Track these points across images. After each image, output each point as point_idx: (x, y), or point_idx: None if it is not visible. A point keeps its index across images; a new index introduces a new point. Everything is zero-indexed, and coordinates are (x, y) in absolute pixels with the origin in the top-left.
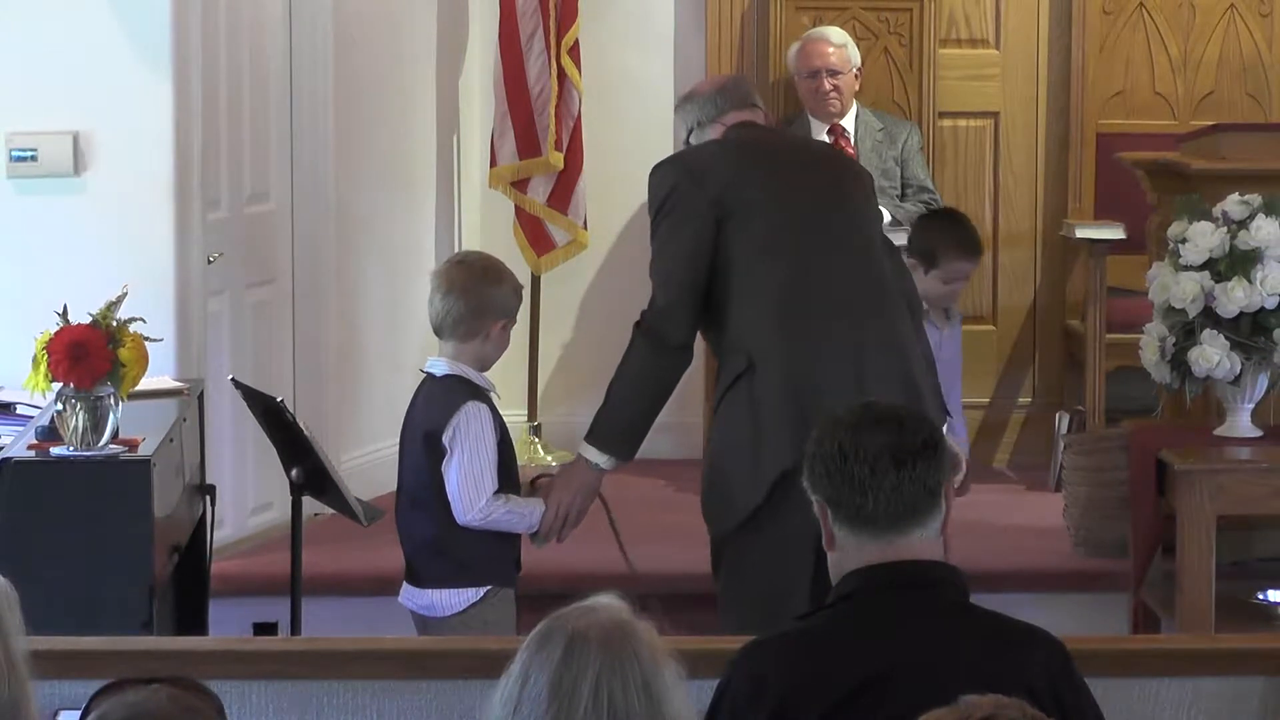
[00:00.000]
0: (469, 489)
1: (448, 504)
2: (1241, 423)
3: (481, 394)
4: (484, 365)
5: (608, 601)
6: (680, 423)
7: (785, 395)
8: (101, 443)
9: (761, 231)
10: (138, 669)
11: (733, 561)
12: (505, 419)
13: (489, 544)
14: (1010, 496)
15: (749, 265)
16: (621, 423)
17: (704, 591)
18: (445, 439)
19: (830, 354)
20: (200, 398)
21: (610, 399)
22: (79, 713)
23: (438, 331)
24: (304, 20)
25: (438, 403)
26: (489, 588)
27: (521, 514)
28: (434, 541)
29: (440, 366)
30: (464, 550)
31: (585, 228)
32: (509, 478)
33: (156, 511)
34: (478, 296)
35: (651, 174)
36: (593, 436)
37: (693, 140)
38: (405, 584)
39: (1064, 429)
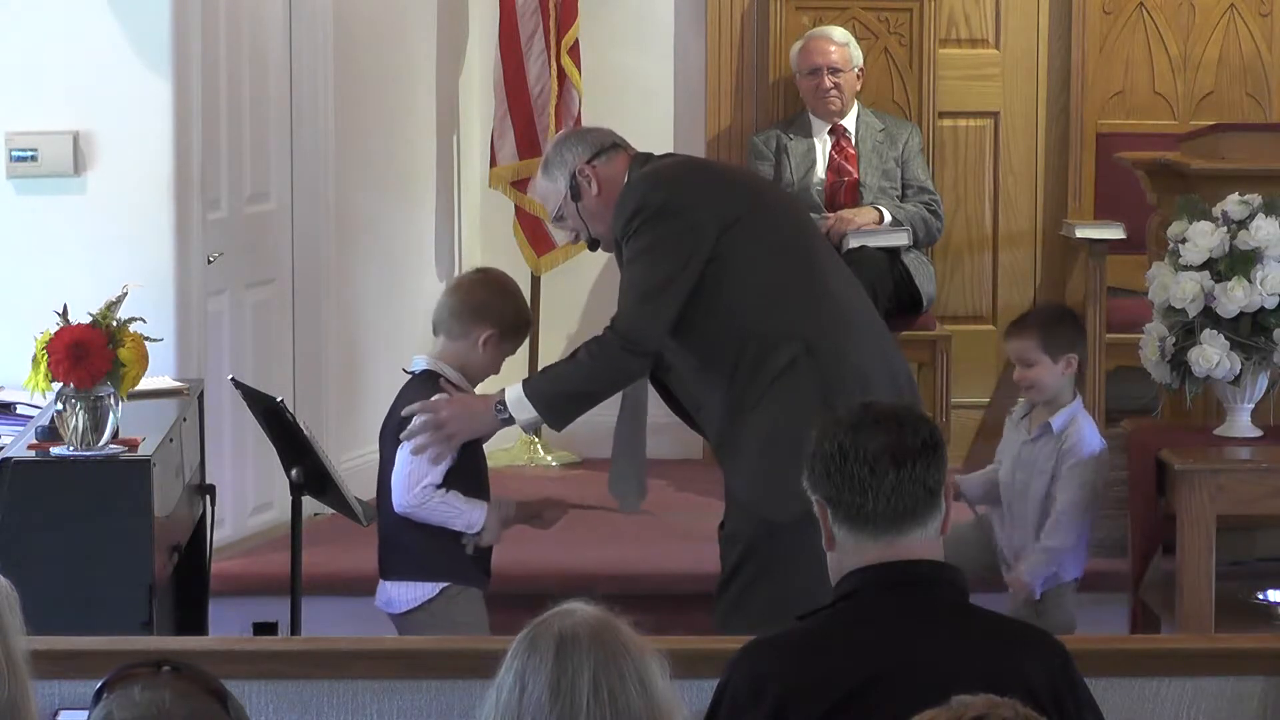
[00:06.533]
0: (406, 476)
1: None
2: (1241, 423)
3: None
4: (467, 373)
5: (579, 604)
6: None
7: (855, 378)
8: (101, 443)
9: (773, 233)
10: None
11: (777, 553)
12: None
13: (440, 539)
14: None
15: (774, 262)
16: (567, 394)
17: (704, 591)
18: None
19: (869, 342)
20: (200, 398)
21: (564, 372)
22: (80, 712)
23: (434, 327)
24: (304, 20)
25: (412, 396)
26: (445, 585)
27: (459, 510)
28: (389, 533)
29: (420, 363)
30: (413, 542)
31: None
32: (478, 482)
33: (156, 511)
34: (473, 298)
35: (630, 186)
36: (531, 389)
37: (602, 161)
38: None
39: None
